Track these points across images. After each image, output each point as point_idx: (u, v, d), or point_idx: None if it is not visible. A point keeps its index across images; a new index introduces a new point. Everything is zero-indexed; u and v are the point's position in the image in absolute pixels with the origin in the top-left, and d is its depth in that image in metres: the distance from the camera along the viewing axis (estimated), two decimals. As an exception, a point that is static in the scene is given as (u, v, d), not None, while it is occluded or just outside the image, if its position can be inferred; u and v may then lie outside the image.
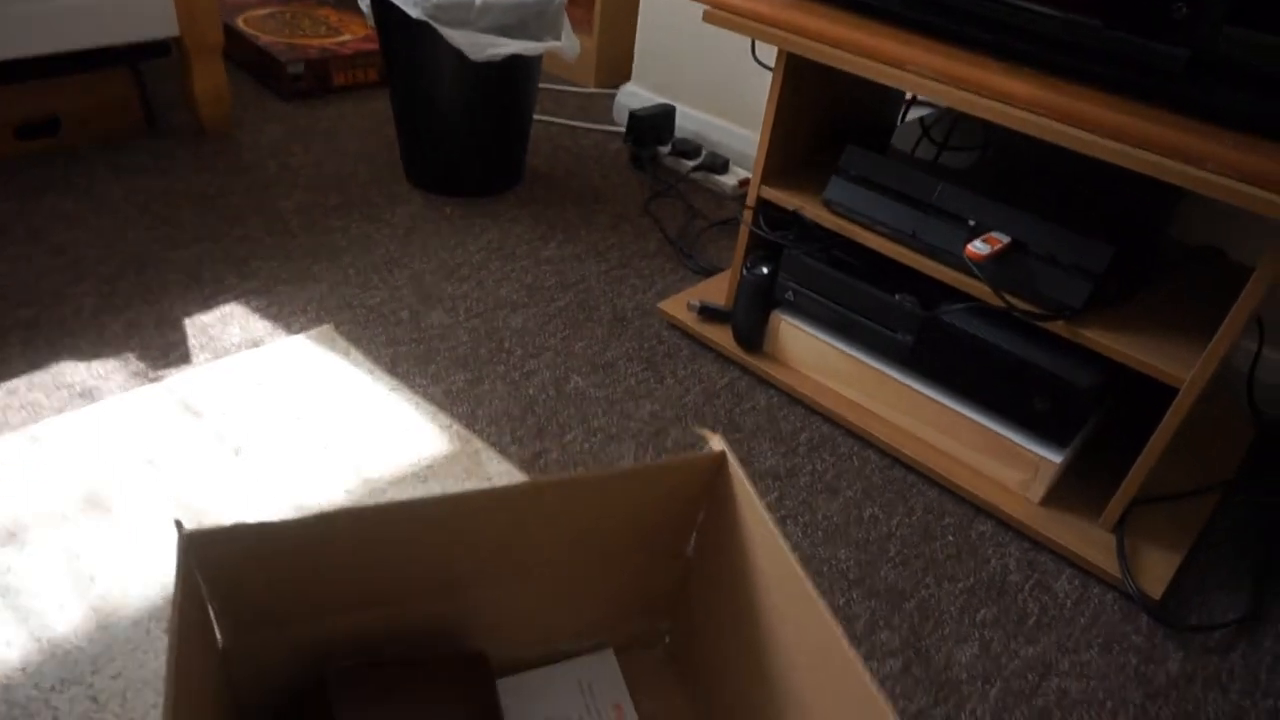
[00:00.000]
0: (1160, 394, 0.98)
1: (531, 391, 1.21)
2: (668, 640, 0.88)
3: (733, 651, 0.75)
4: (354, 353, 1.24)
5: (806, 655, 0.63)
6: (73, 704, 0.78)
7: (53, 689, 0.79)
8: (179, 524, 0.59)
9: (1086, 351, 1.04)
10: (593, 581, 0.80)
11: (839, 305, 1.18)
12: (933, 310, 1.10)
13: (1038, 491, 1.09)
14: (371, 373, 1.21)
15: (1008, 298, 1.03)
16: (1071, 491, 1.12)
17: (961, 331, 1.08)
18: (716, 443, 0.73)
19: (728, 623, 0.75)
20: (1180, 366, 0.95)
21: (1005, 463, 1.10)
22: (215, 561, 0.62)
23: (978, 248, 1.02)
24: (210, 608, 0.66)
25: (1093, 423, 1.13)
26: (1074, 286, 0.99)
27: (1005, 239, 1.03)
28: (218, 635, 0.68)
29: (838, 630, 0.59)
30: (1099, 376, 1.01)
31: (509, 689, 0.81)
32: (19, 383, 1.13)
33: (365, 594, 0.70)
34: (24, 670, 0.81)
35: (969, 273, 1.05)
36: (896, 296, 1.12)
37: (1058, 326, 1.01)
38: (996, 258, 1.02)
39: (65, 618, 0.85)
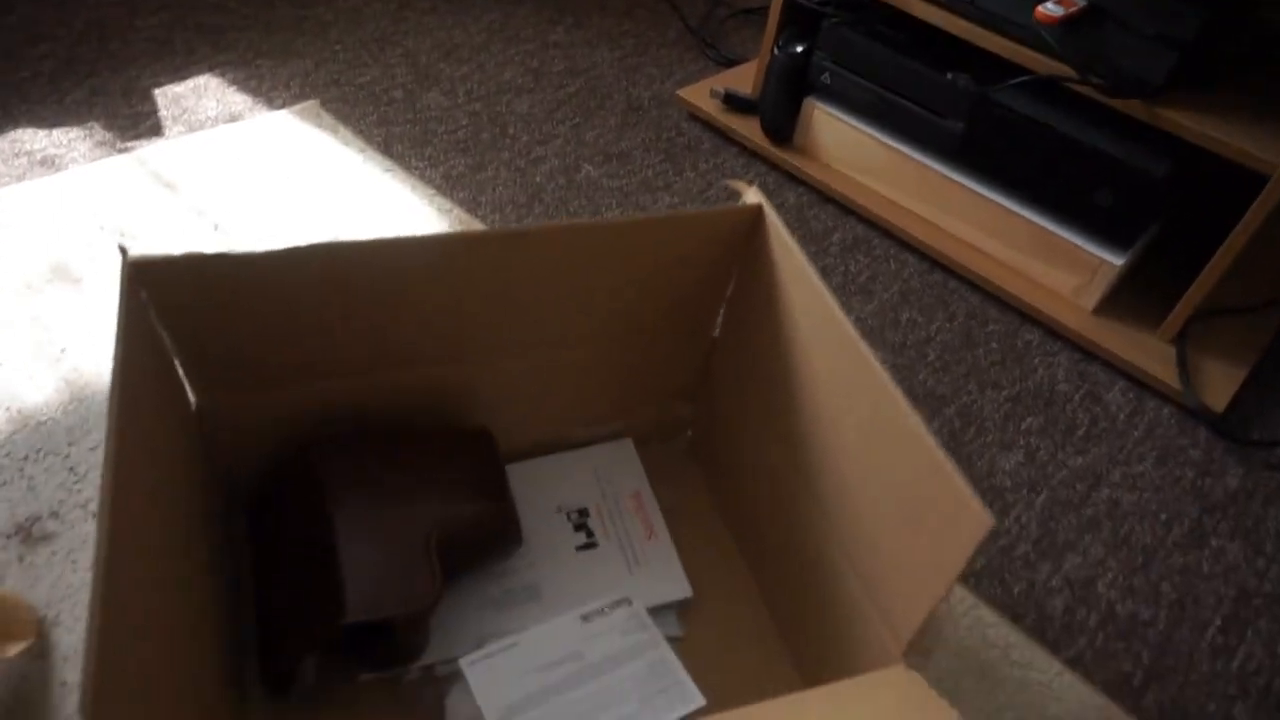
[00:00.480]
0: (1240, 190, 0.87)
1: (539, 179, 1.10)
2: (689, 433, 0.80)
3: (763, 438, 0.67)
4: (343, 130, 1.12)
5: (858, 431, 0.54)
6: (49, 474, 0.71)
7: (27, 459, 0.72)
8: (123, 249, 0.49)
9: (1162, 137, 0.93)
10: (608, 359, 0.71)
11: (881, 87, 1.05)
12: (990, 88, 0.97)
13: (1092, 298, 0.99)
14: (363, 152, 1.09)
15: (1079, 70, 0.90)
16: (1128, 299, 1.02)
17: (1019, 114, 0.96)
18: (752, 195, 0.63)
19: (758, 407, 0.67)
20: (1272, 151, 0.84)
21: (1059, 266, 1.00)
22: (172, 300, 0.53)
23: (1049, 9, 0.89)
24: (175, 360, 0.57)
25: (1160, 222, 1.02)
26: (1156, 59, 0.86)
27: (1081, 1, 0.90)
28: (189, 393, 0.60)
29: (900, 398, 0.50)
30: (1174, 166, 0.90)
31: (518, 475, 0.73)
32: (-30, 148, 1.01)
33: (352, 357, 0.61)
34: (-14, 442, 0.73)
35: (1034, 44, 0.92)
36: (948, 75, 0.99)
37: (1133, 106, 0.89)
38: (1069, 22, 0.89)
39: (37, 390, 0.77)
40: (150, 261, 0.50)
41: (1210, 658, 0.74)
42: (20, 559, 0.64)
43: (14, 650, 0.56)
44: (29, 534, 0.65)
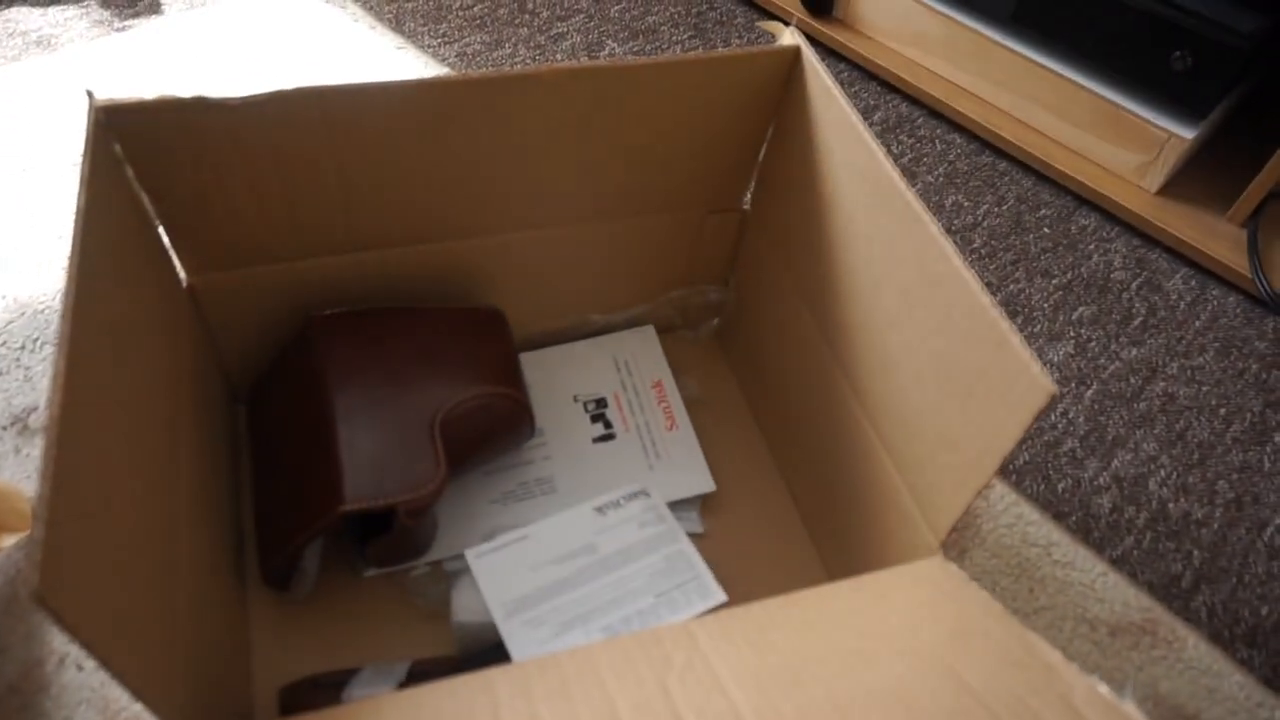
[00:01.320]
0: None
1: (559, 57, 1.03)
2: (716, 321, 0.75)
3: (796, 316, 0.62)
4: (351, 6, 1.05)
5: (902, 296, 0.49)
6: (46, 364, 0.69)
7: (23, 348, 0.70)
8: (89, 92, 0.45)
9: (1250, -5, 0.83)
10: (629, 237, 0.66)
11: (935, -51, 0.96)
12: (1057, -53, 0.88)
13: (1157, 178, 0.92)
14: (373, 29, 1.03)
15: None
16: (1195, 180, 0.94)
17: (1091, -27, 0.87)
18: (788, 36, 0.56)
19: (791, 282, 0.62)
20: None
21: (1122, 143, 0.92)
22: (150, 156, 0.48)
23: None
24: (161, 231, 0.53)
25: (1237, 93, 0.93)
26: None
27: None
28: (179, 270, 0.56)
29: (952, 252, 0.45)
30: (1262, 22, 0.81)
31: (532, 363, 0.69)
32: (-35, 29, 0.96)
33: (353, 226, 0.57)
34: (-14, 330, 0.71)
35: (1113, -110, 0.83)
36: (1012, -70, 0.90)
37: (1222, -42, 0.79)
38: None
39: (34, 277, 0.74)
40: (122, 106, 0.45)
41: (1267, 558, 0.69)
42: (17, 450, 0.62)
43: (9, 541, 0.55)
44: (25, 425, 0.63)
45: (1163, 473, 0.74)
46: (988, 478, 0.44)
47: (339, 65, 0.97)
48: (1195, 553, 0.69)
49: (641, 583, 0.55)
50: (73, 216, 0.39)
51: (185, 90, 0.46)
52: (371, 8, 1.06)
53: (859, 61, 1.06)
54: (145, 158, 0.48)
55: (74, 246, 0.38)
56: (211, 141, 0.49)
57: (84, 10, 1.00)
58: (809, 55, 0.55)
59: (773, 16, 1.12)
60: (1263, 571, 0.68)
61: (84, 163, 0.42)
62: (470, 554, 0.55)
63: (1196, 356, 0.82)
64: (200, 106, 0.47)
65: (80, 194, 0.40)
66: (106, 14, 1.00)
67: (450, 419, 0.55)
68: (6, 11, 0.99)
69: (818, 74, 0.54)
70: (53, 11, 1.00)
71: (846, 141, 0.52)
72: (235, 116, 0.48)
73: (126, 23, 1.00)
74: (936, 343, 0.46)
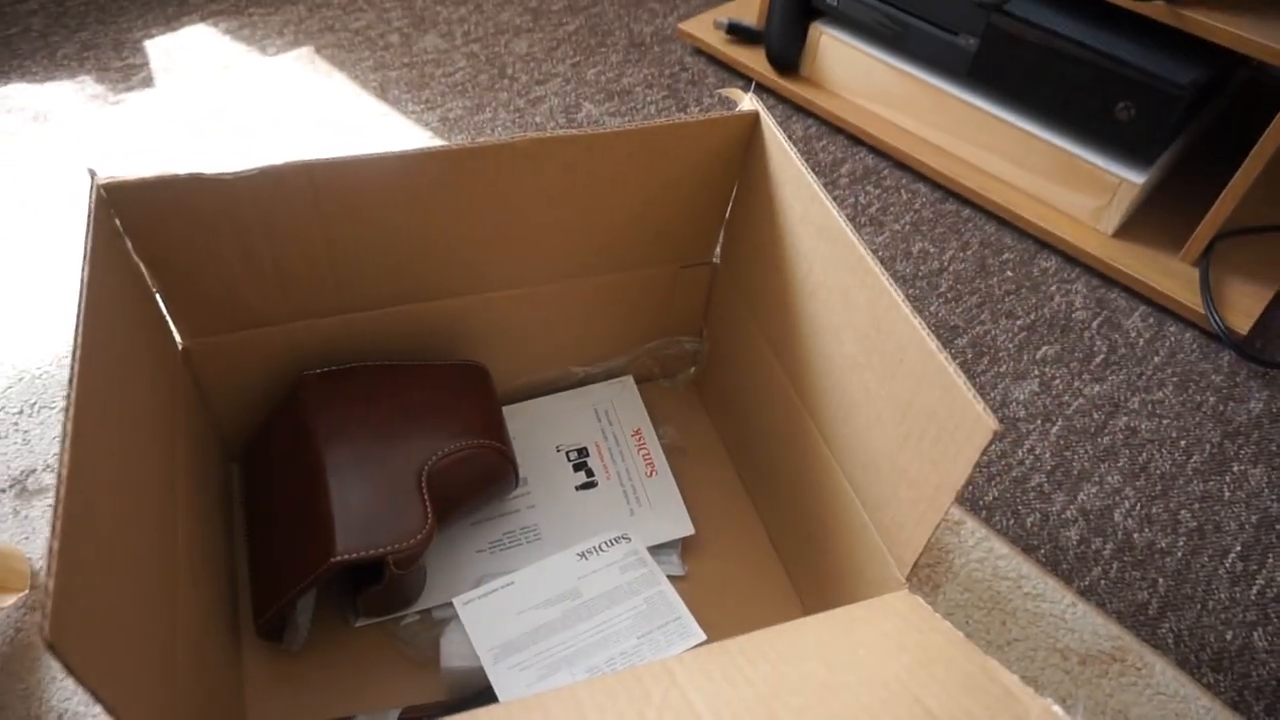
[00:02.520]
0: (1263, 103, 0.82)
1: (538, 119, 1.07)
2: (693, 370, 0.78)
3: (766, 364, 0.65)
4: (338, 76, 1.09)
5: (858, 343, 0.52)
6: (44, 427, 0.71)
7: (21, 412, 0.72)
8: (91, 171, 0.48)
9: (1186, 44, 0.88)
10: (606, 292, 0.69)
11: (890, 5, 1.01)
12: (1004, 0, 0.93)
13: (1112, 221, 0.96)
14: (358, 97, 1.07)
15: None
16: (1149, 222, 0.99)
17: (1036, 26, 0.91)
18: (747, 102, 0.60)
19: (761, 332, 0.65)
20: (1305, 57, 0.80)
21: (1077, 189, 0.96)
22: (148, 228, 0.51)
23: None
24: (158, 297, 0.56)
25: (1182, 139, 0.98)
26: (1183, -36, 0.82)
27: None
28: (174, 333, 0.59)
29: (899, 300, 0.48)
30: (1199, 73, 0.86)
31: (516, 415, 0.72)
32: (-37, 107, 1.00)
33: (341, 290, 0.60)
34: (-16, 398, 0.73)
35: (1055, -45, 0.88)
36: (963, -8, 0.95)
37: (1156, 8, 0.84)
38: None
39: (32, 344, 0.77)
40: (122, 185, 0.49)
41: (1229, 584, 0.72)
42: (15, 512, 0.64)
43: (8, 602, 0.56)
44: (24, 487, 0.65)
45: (1127, 504, 0.76)
46: (943, 512, 0.47)
47: (326, 132, 1.01)
48: (1160, 581, 0.72)
49: (625, 625, 0.57)
50: (76, 289, 0.42)
51: (178, 161, 0.49)
52: (357, 76, 1.10)
53: (825, 116, 1.10)
54: (143, 231, 0.51)
55: (79, 317, 0.41)
56: (206, 214, 0.52)
57: (79, 85, 1.04)
58: (766, 119, 0.59)
59: (742, 76, 1.16)
60: (1226, 597, 0.71)
61: (86, 238, 0.44)
62: (458, 601, 0.57)
63: (1156, 391, 0.86)
64: (195, 182, 0.50)
65: (83, 268, 0.43)
66: (101, 88, 1.04)
67: (437, 471, 0.58)
68: (4, 87, 1.03)
69: (775, 136, 0.58)
70: (49, 86, 1.03)
71: (803, 199, 0.55)
72: (228, 190, 0.51)
73: (120, 96, 1.03)
74: (891, 386, 0.49)
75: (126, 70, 1.07)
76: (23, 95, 1.02)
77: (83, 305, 0.41)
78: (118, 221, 0.50)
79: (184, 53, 1.11)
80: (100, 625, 0.36)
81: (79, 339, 0.40)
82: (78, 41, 1.10)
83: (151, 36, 1.12)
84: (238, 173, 0.50)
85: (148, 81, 1.06)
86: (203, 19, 1.16)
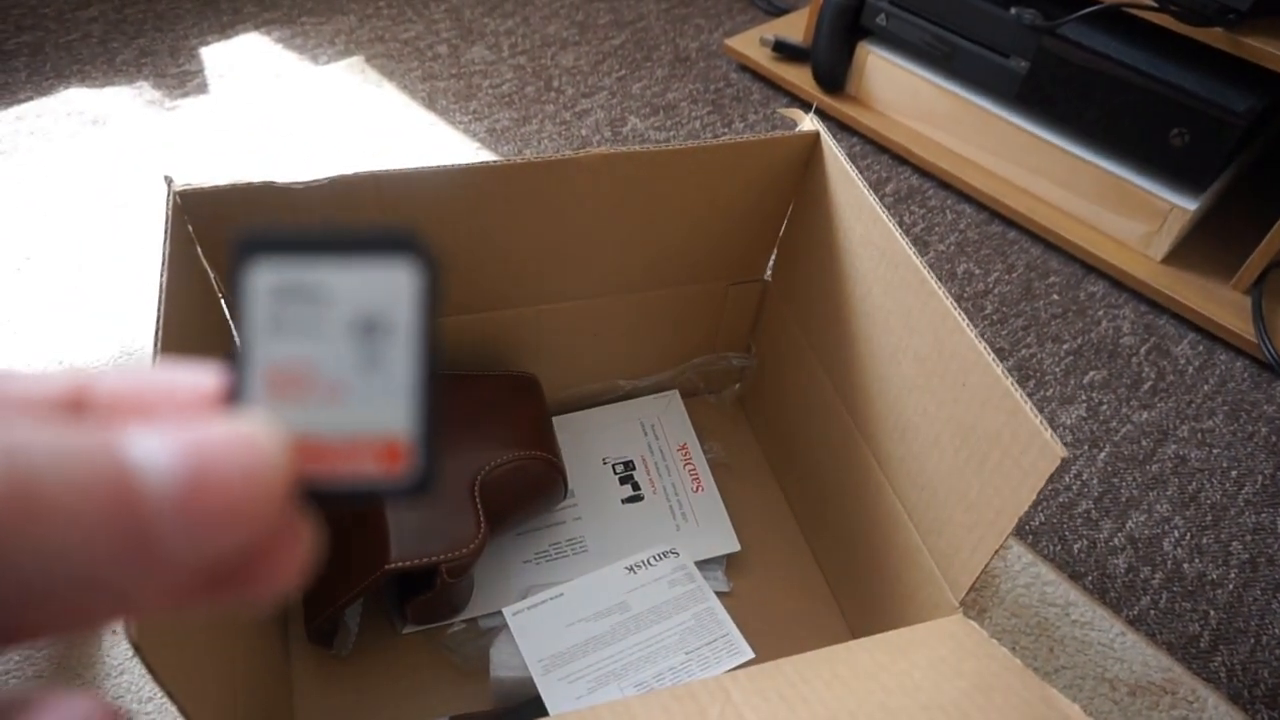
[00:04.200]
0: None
1: (584, 132, 1.08)
2: (738, 386, 0.78)
3: (816, 383, 0.65)
4: (387, 86, 1.11)
5: (918, 365, 0.52)
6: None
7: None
8: (168, 178, 0.49)
9: (1244, 68, 0.87)
10: (656, 308, 0.69)
11: (940, 26, 1.01)
12: (1056, 22, 0.93)
13: (1162, 247, 0.95)
14: (407, 106, 1.08)
15: None
16: (1199, 248, 0.98)
17: (1088, 50, 0.91)
18: (808, 123, 0.60)
19: (811, 351, 0.65)
20: (1366, 88, 0.79)
21: (1126, 214, 0.96)
22: (219, 236, 0.52)
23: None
24: (223, 303, 0.57)
25: (1235, 166, 0.97)
26: (1242, -13, 0.81)
27: (1161, -70, 0.85)
28: (237, 340, 0.59)
29: (965, 325, 0.48)
30: (1255, 101, 0.85)
31: (563, 427, 0.72)
32: (27, 109, 1.02)
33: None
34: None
35: (1110, -22, 0.88)
36: (1012, 10, 0.95)
37: (1214, 35, 0.84)
38: (1148, -46, 0.85)
39: (93, 351, 0.78)
40: (196, 192, 0.49)
41: (1284, 619, 0.71)
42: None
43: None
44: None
45: (1176, 534, 0.75)
46: (1003, 538, 0.46)
47: (376, 141, 1.02)
48: (1212, 613, 0.71)
49: (673, 640, 0.57)
50: (155, 291, 0.43)
51: (232, 167, 0.50)
52: (406, 86, 1.11)
53: (870, 135, 1.10)
54: (214, 238, 0.52)
55: (158, 322, 0.42)
56: (274, 221, 0.53)
57: (137, 90, 1.06)
58: (828, 140, 0.59)
59: (787, 94, 1.17)
60: None
61: (165, 243, 0.45)
62: (508, 611, 0.57)
63: (1206, 420, 0.85)
64: (267, 191, 0.51)
65: (161, 273, 0.44)
66: (158, 94, 1.06)
67: (489, 481, 0.58)
68: (64, 91, 1.05)
69: (836, 157, 0.58)
70: (108, 91, 1.06)
71: (864, 220, 0.55)
72: (298, 199, 0.52)
73: (176, 102, 1.05)
74: (953, 410, 0.49)
75: (182, 76, 1.09)
76: (83, 99, 1.04)
77: (161, 310, 0.42)
78: (190, 228, 0.51)
79: (238, 60, 1.12)
80: (175, 629, 0.36)
81: (158, 344, 0.40)
82: (136, 48, 1.12)
83: (207, 44, 1.14)
84: (308, 182, 0.51)
85: (202, 88, 1.08)
86: (256, 27, 1.18)
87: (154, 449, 0.14)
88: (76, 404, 0.16)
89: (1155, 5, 0.85)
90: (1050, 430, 0.42)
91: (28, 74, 1.06)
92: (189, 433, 0.15)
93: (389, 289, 0.17)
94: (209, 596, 0.16)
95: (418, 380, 0.17)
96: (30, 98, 1.03)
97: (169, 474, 0.14)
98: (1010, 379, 0.45)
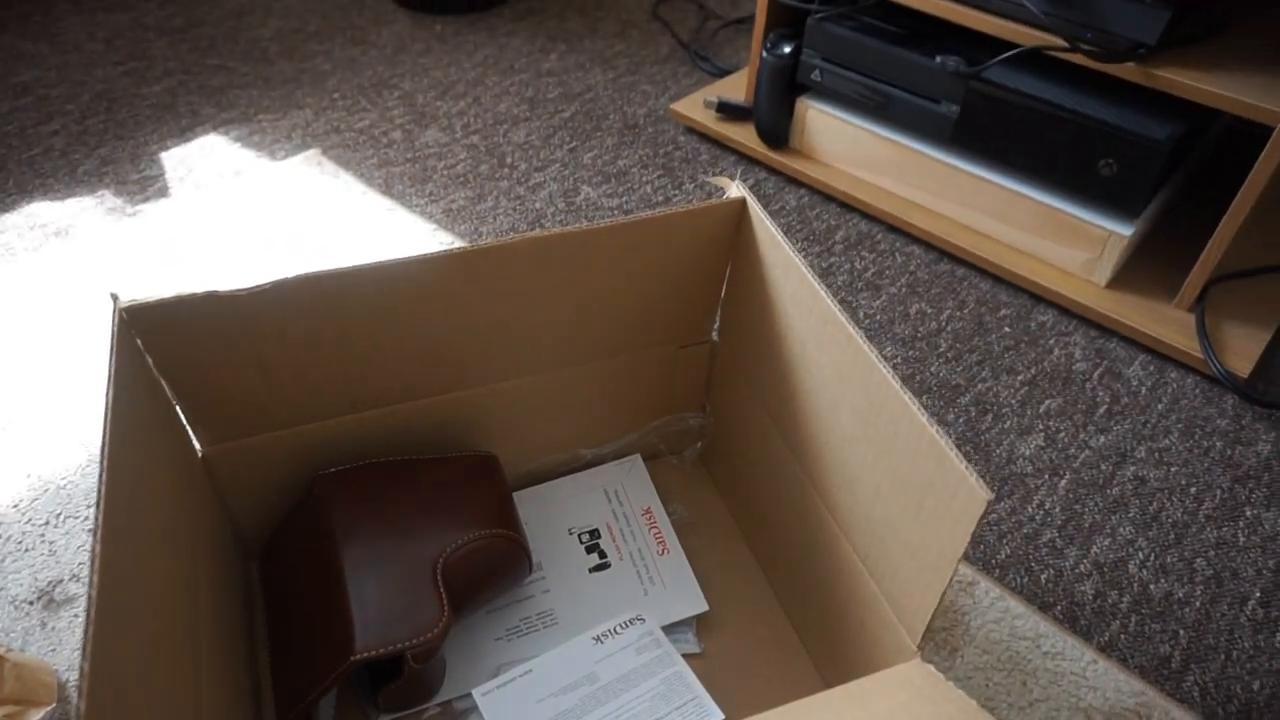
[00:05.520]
0: (1245, 149, 0.85)
1: (538, 205, 1.11)
2: (699, 445, 0.80)
3: (769, 438, 0.66)
4: (344, 175, 1.14)
5: (855, 417, 0.54)
6: (69, 537, 0.73)
7: (47, 523, 0.74)
8: (114, 295, 0.50)
9: (1160, 100, 0.91)
10: (610, 375, 0.71)
11: (872, 79, 1.05)
12: (979, 67, 0.96)
13: (1105, 272, 0.97)
14: (364, 194, 1.11)
15: (1068, 39, 0.89)
16: (1141, 271, 1.00)
17: (1013, 92, 0.94)
18: (734, 189, 0.63)
19: (762, 407, 0.67)
20: (1276, 101, 0.82)
21: (1067, 243, 0.98)
22: (167, 345, 0.54)
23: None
24: (178, 408, 0.58)
25: (1167, 190, 1.00)
26: (1148, 19, 0.85)
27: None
28: (195, 443, 0.61)
29: (889, 378, 0.49)
30: (1176, 127, 0.88)
31: (527, 500, 0.73)
32: (-12, 227, 1.04)
33: (353, 392, 0.62)
34: (16, 507, 0.75)
35: (1020, 17, 0.91)
36: (938, 59, 0.98)
37: (1128, 69, 0.87)
38: (1058, -4, 0.88)
39: (56, 454, 0.79)
40: (141, 306, 0.51)
41: (1252, 632, 0.71)
42: (43, 624, 0.66)
43: (36, 716, 0.58)
44: (51, 598, 0.67)
45: (1141, 555, 0.76)
46: (948, 579, 0.47)
47: (335, 231, 1.05)
48: (1181, 632, 0.71)
49: (643, 707, 0.58)
50: (101, 410, 0.44)
51: (194, 270, 0.52)
52: (362, 175, 1.14)
53: (817, 186, 1.13)
54: (163, 348, 0.53)
55: (104, 438, 0.43)
56: (221, 328, 0.54)
57: (99, 199, 1.09)
58: (753, 204, 0.61)
59: (734, 153, 1.20)
60: (1250, 646, 0.71)
61: (110, 359, 0.47)
62: (477, 692, 0.58)
63: (1162, 439, 0.86)
64: (211, 300, 0.52)
65: (107, 389, 0.45)
66: (119, 201, 1.08)
67: (451, 563, 0.59)
68: (28, 206, 1.07)
69: (762, 221, 0.60)
70: (70, 202, 1.08)
71: (792, 279, 0.57)
72: (242, 305, 0.54)
73: (137, 208, 1.08)
74: (890, 459, 0.50)
75: (143, 182, 1.12)
76: (46, 212, 1.06)
77: (107, 425, 0.43)
78: (139, 341, 0.52)
79: (198, 162, 1.15)
80: (129, 741, 0.37)
81: (105, 461, 0.42)
82: (97, 157, 1.15)
83: (166, 148, 1.17)
84: (251, 288, 0.53)
85: (163, 191, 1.10)
86: (214, 128, 1.21)
87: None
88: None
89: (1068, 46, 0.88)
90: (975, 475, 0.44)
91: (-9, 192, 1.09)
92: None
93: None
94: None
95: None
96: (-6, 215, 1.05)
97: None
98: (936, 427, 0.46)
